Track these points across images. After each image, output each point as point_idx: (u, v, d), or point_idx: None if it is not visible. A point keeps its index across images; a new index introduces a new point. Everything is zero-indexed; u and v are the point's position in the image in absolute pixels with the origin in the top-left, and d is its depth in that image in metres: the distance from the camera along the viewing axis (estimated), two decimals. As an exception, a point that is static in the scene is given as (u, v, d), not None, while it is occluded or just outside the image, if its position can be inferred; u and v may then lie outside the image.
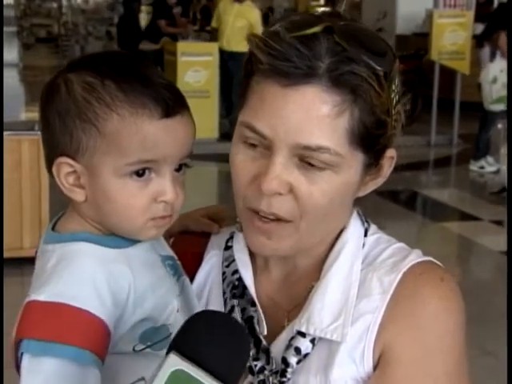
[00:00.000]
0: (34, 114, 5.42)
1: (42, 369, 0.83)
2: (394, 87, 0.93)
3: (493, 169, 7.56)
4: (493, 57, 7.54)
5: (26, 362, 0.84)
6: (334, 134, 0.90)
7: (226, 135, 8.30)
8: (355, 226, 1.02)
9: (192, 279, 1.08)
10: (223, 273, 1.07)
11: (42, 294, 0.86)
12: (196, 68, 8.50)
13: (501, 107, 7.21)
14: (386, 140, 0.95)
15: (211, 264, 1.10)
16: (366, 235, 1.03)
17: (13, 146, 4.64)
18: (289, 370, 0.96)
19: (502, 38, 7.38)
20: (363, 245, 1.01)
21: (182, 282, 1.00)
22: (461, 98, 8.53)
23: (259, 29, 8.19)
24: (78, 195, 0.92)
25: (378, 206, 5.46)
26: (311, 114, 0.89)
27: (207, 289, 1.08)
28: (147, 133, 0.89)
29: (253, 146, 0.93)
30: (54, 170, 0.92)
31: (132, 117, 0.88)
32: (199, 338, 0.77)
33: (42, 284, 0.88)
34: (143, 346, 0.91)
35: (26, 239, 4.71)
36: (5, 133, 4.61)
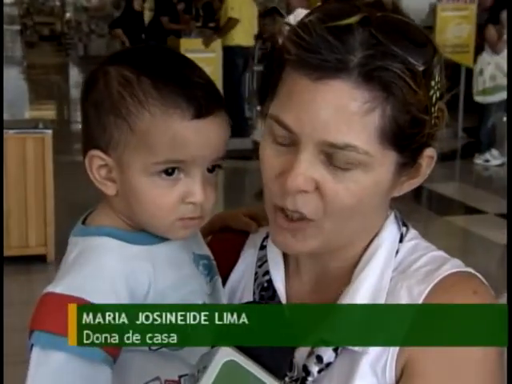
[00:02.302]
0: (39, 112, 5.44)
1: (49, 362, 0.83)
2: (433, 83, 0.88)
3: (498, 162, 7.54)
4: (481, 49, 7.62)
5: (35, 353, 0.84)
6: (362, 132, 0.85)
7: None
8: (390, 231, 0.97)
9: (227, 277, 1.06)
10: (255, 273, 1.04)
11: (59, 286, 0.86)
12: (199, 65, 8.49)
13: (488, 99, 7.26)
14: (423, 139, 0.90)
15: (246, 264, 1.07)
16: (401, 241, 0.98)
17: (17, 144, 4.64)
18: (309, 378, 0.93)
19: (489, 31, 7.49)
20: (397, 251, 0.97)
21: (214, 282, 0.99)
22: (465, 92, 8.50)
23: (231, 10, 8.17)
24: (110, 189, 0.92)
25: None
26: (339, 111, 0.85)
27: (241, 289, 1.06)
28: (177, 133, 0.88)
29: (281, 140, 0.90)
30: (86, 162, 0.92)
31: (163, 116, 0.88)
32: None
33: (60, 276, 0.88)
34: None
35: (31, 237, 4.72)
36: (9, 131, 4.62)
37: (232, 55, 8.49)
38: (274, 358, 0.78)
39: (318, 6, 0.91)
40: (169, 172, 0.90)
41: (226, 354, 0.76)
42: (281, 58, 0.90)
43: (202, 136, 0.89)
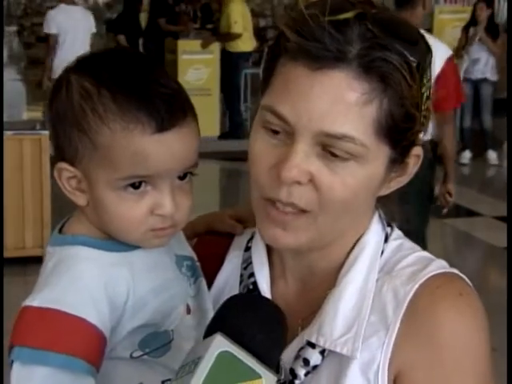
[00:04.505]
0: (36, 114, 5.43)
1: (32, 377, 0.82)
2: (425, 81, 0.89)
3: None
4: None
5: (16, 370, 0.82)
6: (360, 123, 0.85)
7: (226, 134, 8.30)
8: (375, 231, 0.97)
9: (213, 281, 1.05)
10: (241, 275, 1.03)
11: (36, 299, 0.85)
12: (197, 66, 8.50)
13: None
14: (413, 136, 0.90)
15: (232, 266, 1.06)
16: (386, 241, 0.97)
17: (14, 145, 4.64)
18: (296, 381, 0.92)
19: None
20: (382, 251, 0.96)
21: (198, 283, 0.98)
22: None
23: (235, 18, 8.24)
24: (80, 199, 0.91)
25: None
26: (338, 101, 0.85)
27: (226, 291, 1.04)
28: (139, 149, 0.86)
29: (274, 132, 0.88)
30: (55, 173, 0.91)
31: (123, 132, 0.86)
32: (242, 319, 0.77)
33: (37, 289, 0.87)
34: (141, 353, 0.89)
35: (28, 238, 4.71)
36: (6, 132, 4.62)
37: (236, 59, 8.51)
38: (267, 347, 0.78)
39: (313, 2, 0.90)
40: (135, 185, 0.88)
41: (220, 345, 0.75)
42: (277, 46, 0.89)
43: (166, 149, 0.87)
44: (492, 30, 7.69)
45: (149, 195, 0.89)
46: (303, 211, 0.89)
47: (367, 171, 0.88)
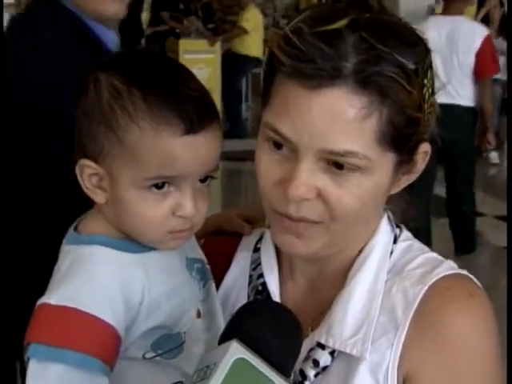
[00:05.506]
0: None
1: (47, 374, 0.82)
2: (426, 81, 0.88)
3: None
4: None
5: (32, 366, 0.83)
6: (361, 138, 0.85)
7: (227, 133, 8.30)
8: (384, 232, 0.98)
9: (221, 281, 1.06)
10: (250, 276, 1.04)
11: (53, 297, 0.85)
12: (199, 66, 8.49)
13: None
14: (418, 136, 0.90)
15: (240, 267, 1.06)
16: (395, 242, 0.98)
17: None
18: (306, 383, 0.93)
19: None
20: (391, 252, 0.96)
21: (208, 287, 0.99)
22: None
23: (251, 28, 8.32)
24: (100, 197, 0.91)
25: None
26: (337, 118, 0.84)
27: (235, 292, 1.05)
28: (167, 149, 0.87)
29: (277, 145, 0.89)
30: (76, 169, 0.91)
31: (152, 131, 0.86)
32: (258, 326, 0.78)
33: (53, 287, 0.87)
34: (153, 354, 0.90)
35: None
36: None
37: (244, 63, 8.52)
38: (282, 354, 0.78)
39: (304, 10, 0.89)
40: (159, 186, 0.89)
41: (236, 352, 0.75)
42: (272, 66, 0.89)
43: (193, 152, 0.88)
44: (506, 27, 7.67)
45: (171, 196, 0.89)
46: (315, 222, 0.89)
47: (373, 180, 0.88)
